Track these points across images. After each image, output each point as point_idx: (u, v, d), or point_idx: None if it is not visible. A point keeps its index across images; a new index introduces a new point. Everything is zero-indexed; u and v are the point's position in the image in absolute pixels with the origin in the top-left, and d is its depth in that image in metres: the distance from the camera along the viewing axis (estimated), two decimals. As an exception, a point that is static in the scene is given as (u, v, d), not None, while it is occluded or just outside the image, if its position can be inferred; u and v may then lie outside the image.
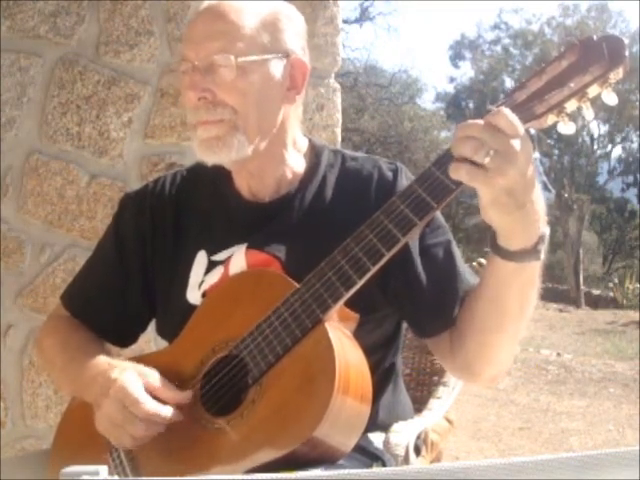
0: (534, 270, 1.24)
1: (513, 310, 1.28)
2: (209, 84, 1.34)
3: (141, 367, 1.32)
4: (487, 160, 1.09)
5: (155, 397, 1.26)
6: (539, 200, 1.18)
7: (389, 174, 1.44)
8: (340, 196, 1.44)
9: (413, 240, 1.37)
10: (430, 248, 1.40)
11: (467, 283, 1.38)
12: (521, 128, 1.11)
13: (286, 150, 1.45)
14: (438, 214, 1.40)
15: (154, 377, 1.29)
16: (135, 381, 1.27)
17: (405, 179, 1.43)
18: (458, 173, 1.11)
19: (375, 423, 1.42)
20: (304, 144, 1.49)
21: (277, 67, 1.38)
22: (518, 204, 1.14)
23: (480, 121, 1.11)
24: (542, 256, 1.22)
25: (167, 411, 1.25)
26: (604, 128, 22.53)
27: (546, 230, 1.21)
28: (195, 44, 1.36)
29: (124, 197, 1.59)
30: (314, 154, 1.48)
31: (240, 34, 1.35)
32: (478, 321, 1.31)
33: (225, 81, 1.34)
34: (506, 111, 1.11)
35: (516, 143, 1.10)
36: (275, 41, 1.37)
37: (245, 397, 1.25)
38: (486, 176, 1.10)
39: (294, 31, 1.41)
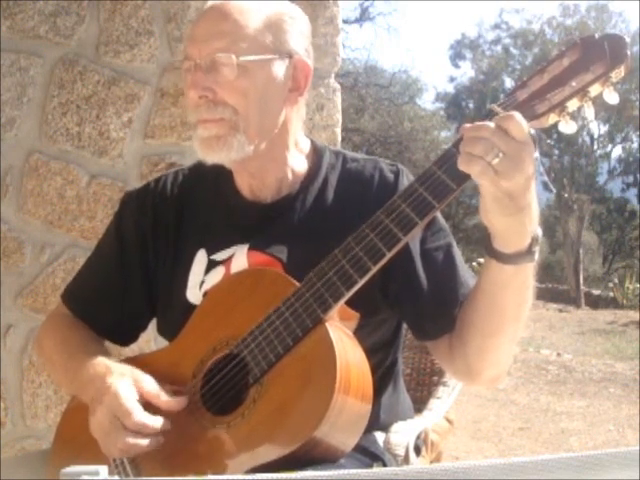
0: (529, 271, 1.25)
1: (511, 312, 1.28)
2: (210, 83, 1.34)
3: (138, 372, 1.31)
4: (496, 161, 1.10)
5: (150, 405, 1.25)
6: (535, 202, 1.19)
7: (390, 176, 1.44)
8: (341, 198, 1.44)
9: (414, 241, 1.37)
10: (431, 252, 1.40)
11: (467, 287, 1.38)
12: (528, 133, 1.11)
13: (288, 151, 1.44)
14: (439, 216, 1.41)
15: (149, 384, 1.28)
16: (129, 390, 1.25)
17: (407, 181, 1.43)
18: (471, 167, 1.11)
19: (375, 423, 1.42)
20: (306, 145, 1.49)
21: (279, 68, 1.38)
22: (518, 207, 1.15)
23: (491, 123, 1.11)
24: (536, 257, 1.22)
25: (156, 422, 1.24)
26: (604, 128, 22.52)
27: (539, 231, 1.22)
28: (198, 42, 1.36)
29: (125, 195, 1.59)
30: (316, 155, 1.48)
31: (243, 34, 1.34)
32: (477, 324, 1.31)
33: (226, 80, 1.34)
34: (518, 116, 1.11)
35: (524, 148, 1.11)
36: (278, 42, 1.37)
37: (246, 396, 1.25)
38: (495, 176, 1.11)
39: (298, 32, 1.40)
